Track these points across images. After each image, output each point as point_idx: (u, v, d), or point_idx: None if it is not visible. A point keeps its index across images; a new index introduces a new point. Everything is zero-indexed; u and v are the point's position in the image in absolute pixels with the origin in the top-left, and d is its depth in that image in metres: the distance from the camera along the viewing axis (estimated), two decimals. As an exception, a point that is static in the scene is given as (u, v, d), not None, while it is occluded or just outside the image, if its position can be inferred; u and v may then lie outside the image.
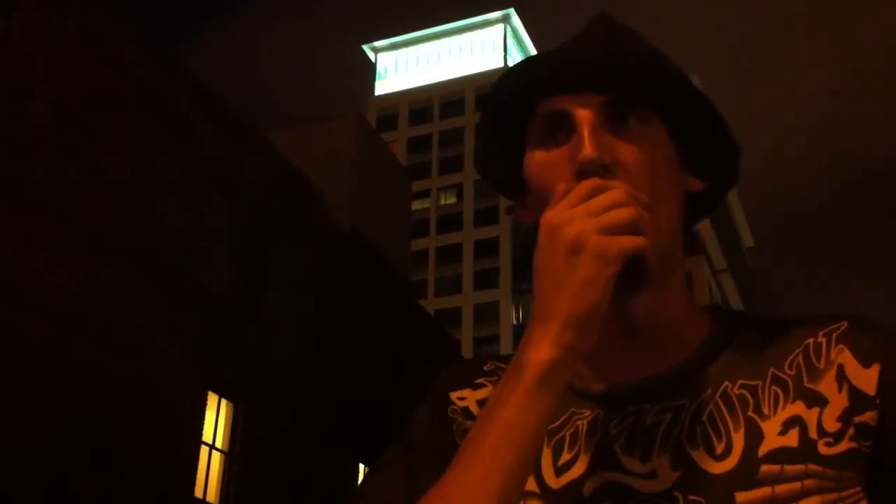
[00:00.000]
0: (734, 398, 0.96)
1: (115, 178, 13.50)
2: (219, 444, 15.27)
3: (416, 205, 61.18)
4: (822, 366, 0.96)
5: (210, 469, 15.01)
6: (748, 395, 0.96)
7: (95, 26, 13.80)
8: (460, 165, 75.37)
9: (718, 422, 0.95)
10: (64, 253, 12.43)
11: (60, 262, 12.34)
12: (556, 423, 1.00)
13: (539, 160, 0.99)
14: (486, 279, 70.42)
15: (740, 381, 0.97)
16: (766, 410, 0.95)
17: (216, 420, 15.29)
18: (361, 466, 19.21)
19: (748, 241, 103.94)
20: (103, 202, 13.22)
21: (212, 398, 15.18)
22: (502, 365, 1.08)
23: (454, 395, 1.09)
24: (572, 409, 1.01)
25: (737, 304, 71.36)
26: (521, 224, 0.95)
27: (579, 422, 1.00)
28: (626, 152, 0.95)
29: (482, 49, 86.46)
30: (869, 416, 0.92)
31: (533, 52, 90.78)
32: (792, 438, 0.92)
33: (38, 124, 12.50)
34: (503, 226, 71.07)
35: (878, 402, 0.92)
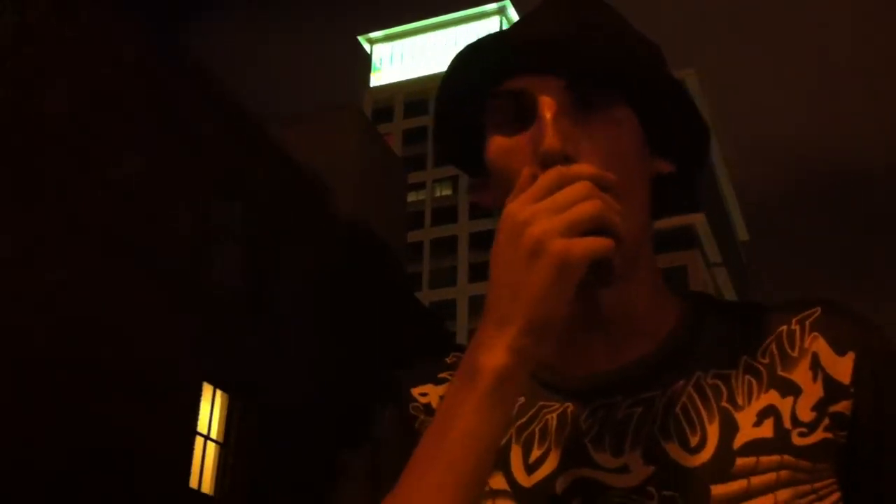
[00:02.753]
0: (707, 388, 0.94)
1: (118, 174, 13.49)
2: (214, 435, 15.28)
3: (412, 197, 61.15)
4: (795, 354, 0.94)
5: (205, 460, 15.02)
6: (721, 385, 0.94)
7: (101, 25, 13.79)
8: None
9: (692, 413, 0.93)
10: (66, 251, 12.42)
11: (63, 260, 12.33)
12: (525, 419, 0.98)
13: (501, 146, 0.94)
14: (481, 271, 70.41)
15: (713, 371, 0.95)
16: (740, 401, 0.93)
17: (211, 411, 15.30)
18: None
19: (743, 234, 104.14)
20: (107, 200, 13.20)
21: (207, 389, 15.19)
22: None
23: (416, 392, 1.06)
24: (541, 403, 0.98)
25: (731, 297, 71.43)
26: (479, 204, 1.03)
27: (548, 416, 0.97)
28: (591, 138, 0.91)
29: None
30: (843, 406, 0.91)
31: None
32: (767, 429, 0.91)
33: (45, 125, 12.50)
34: (498, 218, 70.96)
35: (852, 391, 0.91)
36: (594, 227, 0.81)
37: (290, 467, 16.56)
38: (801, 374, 0.93)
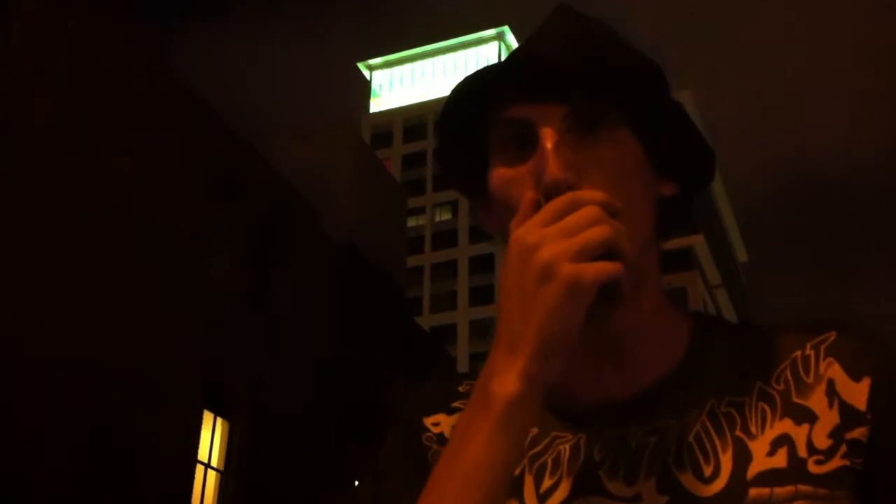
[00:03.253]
0: (721, 417, 0.93)
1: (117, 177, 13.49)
2: (214, 463, 15.21)
3: (412, 221, 61.21)
4: (810, 380, 0.93)
5: (206, 488, 14.94)
6: (735, 414, 0.93)
7: (97, 31, 13.82)
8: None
9: (706, 442, 0.92)
10: (61, 260, 12.40)
11: (56, 269, 12.31)
12: (538, 448, 0.97)
13: (503, 176, 0.95)
14: (481, 295, 70.41)
15: (727, 399, 0.94)
16: (753, 429, 0.92)
17: (212, 439, 15.24)
18: (358, 485, 19.15)
19: (742, 255, 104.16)
20: (103, 203, 13.19)
21: (207, 417, 15.13)
22: None
23: (428, 421, 1.04)
24: (554, 434, 0.97)
25: (732, 319, 71.22)
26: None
27: (561, 447, 0.97)
28: (593, 164, 0.91)
29: (476, 66, 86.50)
30: (860, 433, 0.90)
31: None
32: (780, 459, 0.90)
33: (39, 126, 12.46)
34: (498, 242, 71.01)
35: (868, 417, 0.90)
36: (603, 252, 0.82)
37: (290, 495, 16.47)
38: (816, 401, 0.92)
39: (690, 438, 0.93)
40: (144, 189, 14.14)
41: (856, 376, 0.92)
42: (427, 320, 63.60)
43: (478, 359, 65.51)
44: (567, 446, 0.97)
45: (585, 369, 0.96)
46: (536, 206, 0.86)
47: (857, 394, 0.91)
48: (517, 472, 0.95)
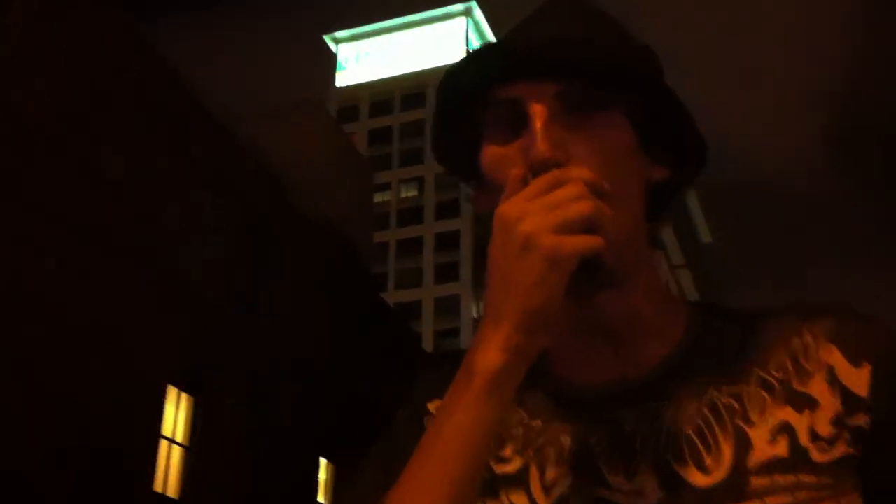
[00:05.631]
0: (721, 406, 0.93)
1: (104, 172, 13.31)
2: (178, 439, 15.11)
3: (377, 197, 61.01)
4: (810, 367, 0.93)
5: (170, 463, 14.84)
6: (734, 402, 0.93)
7: (83, 21, 13.61)
8: (421, 158, 75.26)
9: (706, 431, 0.92)
10: (43, 247, 12.22)
11: (35, 255, 12.13)
12: (542, 439, 0.98)
13: (494, 154, 0.95)
14: (446, 272, 70.43)
15: (725, 386, 0.94)
16: (753, 417, 0.91)
17: (176, 414, 15.13)
18: (322, 461, 19.12)
19: (706, 236, 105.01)
20: (87, 196, 13.01)
21: (171, 392, 15.01)
22: None
23: (431, 406, 1.06)
24: (555, 424, 0.98)
25: (694, 299, 71.92)
26: (481, 215, 1.07)
27: (563, 437, 0.97)
28: (583, 144, 0.91)
29: (444, 42, 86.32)
30: (862, 419, 0.90)
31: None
32: (781, 447, 0.89)
33: (29, 121, 12.35)
34: (464, 219, 71.07)
35: (870, 403, 0.90)
36: (585, 227, 0.82)
37: (254, 471, 16.42)
38: (817, 388, 0.91)
39: (689, 427, 0.92)
40: (130, 182, 13.94)
41: (856, 362, 0.91)
42: (392, 296, 63.51)
43: (443, 336, 65.63)
44: (568, 435, 0.97)
45: (582, 354, 0.97)
46: (523, 183, 0.87)
47: (858, 380, 0.91)
48: (522, 463, 0.97)
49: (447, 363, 1.06)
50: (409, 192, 76.21)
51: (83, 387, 12.75)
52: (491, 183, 0.95)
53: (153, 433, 14.43)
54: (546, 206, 0.82)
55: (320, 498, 19.01)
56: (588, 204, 0.83)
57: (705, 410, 0.93)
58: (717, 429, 0.92)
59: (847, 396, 0.90)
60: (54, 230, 12.68)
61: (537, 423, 0.99)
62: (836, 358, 0.92)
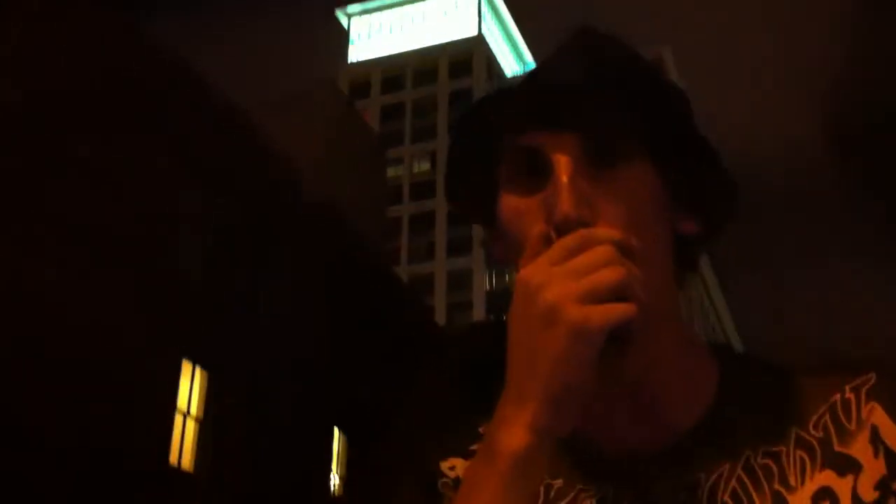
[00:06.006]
0: (758, 469, 0.87)
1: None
2: (193, 412, 15.40)
3: (390, 172, 61.13)
4: (853, 427, 0.87)
5: (185, 437, 15.14)
6: (772, 465, 0.87)
7: (83, 20, 13.73)
8: (433, 133, 75.15)
9: (743, 498, 0.86)
10: (36, 234, 12.45)
11: (32, 243, 12.37)
12: (560, 500, 0.92)
13: (513, 206, 0.89)
14: (459, 246, 70.53)
15: (762, 449, 0.88)
16: (792, 481, 0.86)
17: (190, 388, 15.41)
18: (336, 432, 19.40)
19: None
20: (73, 185, 13.22)
21: (186, 366, 15.29)
22: None
23: (444, 465, 0.99)
24: (579, 487, 0.92)
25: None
26: (496, 263, 0.97)
27: (585, 498, 0.91)
28: (610, 199, 0.84)
29: (457, 16, 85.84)
30: None
31: (508, 20, 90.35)
32: None
33: (5, 109, 12.42)
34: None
35: None
36: (614, 295, 0.76)
37: (268, 443, 16.68)
38: (860, 450, 0.86)
39: (726, 495, 0.87)
40: (111, 168, 14.12)
41: None
42: (405, 271, 63.73)
43: (455, 309, 65.81)
44: (593, 501, 0.91)
45: (609, 420, 0.91)
46: (547, 242, 0.81)
47: None
48: None
49: (458, 421, 1.03)
50: (422, 167, 76.20)
51: (100, 364, 13.01)
52: (510, 236, 0.89)
53: (169, 407, 14.72)
54: (572, 273, 0.76)
55: (334, 468, 19.30)
56: (618, 270, 0.76)
57: (741, 473, 0.88)
58: (753, 493, 0.86)
59: (891, 458, 0.85)
60: (54, 229, 12.88)
61: (558, 482, 0.93)
62: (880, 417, 0.87)
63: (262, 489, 16.06)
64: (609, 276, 0.76)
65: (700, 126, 0.92)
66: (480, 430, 0.98)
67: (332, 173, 21.71)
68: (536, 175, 0.87)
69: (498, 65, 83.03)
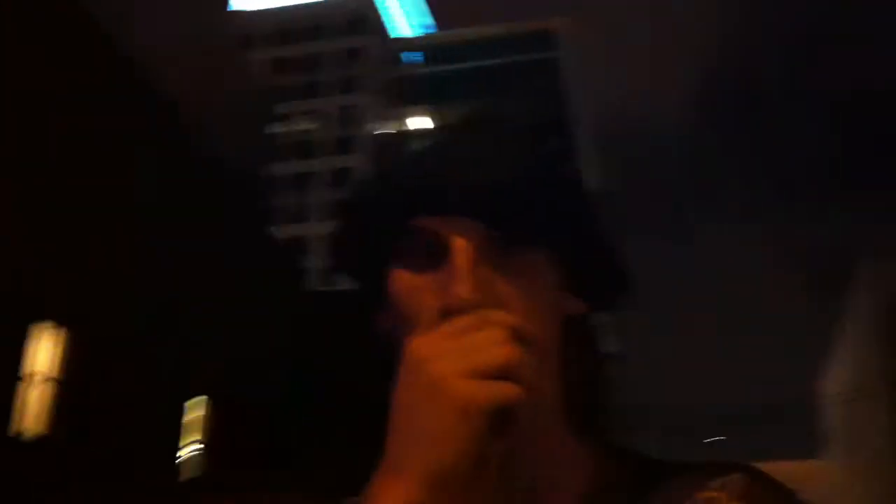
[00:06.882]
0: None
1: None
2: (44, 372, 14.50)
3: (273, 129, 59.75)
4: None
5: (30, 398, 14.25)
6: None
7: None
8: (321, 91, 73.99)
9: None
10: None
11: None
12: None
13: (405, 282, 0.88)
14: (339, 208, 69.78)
15: None
16: None
17: (43, 346, 14.50)
18: (201, 397, 18.77)
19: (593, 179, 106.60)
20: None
21: (45, 324, 14.37)
22: None
23: None
24: None
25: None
26: (380, 333, 0.93)
27: None
28: (508, 285, 0.85)
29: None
30: None
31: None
32: None
33: None
34: (360, 156, 70.39)
35: None
36: (502, 375, 0.74)
37: (120, 404, 15.96)
38: None
39: None
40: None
41: None
42: (282, 231, 62.62)
43: (329, 273, 65.00)
44: None
45: (478, 500, 0.84)
46: (441, 318, 0.80)
47: None
48: None
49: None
50: (307, 126, 74.97)
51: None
52: (399, 310, 0.89)
53: (14, 367, 13.80)
54: (463, 349, 0.75)
55: (197, 435, 18.72)
56: (509, 350, 0.75)
57: None
58: None
59: None
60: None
61: None
62: None
63: (119, 453, 15.31)
64: (499, 355, 0.75)
65: (596, 206, 0.92)
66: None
67: (212, 125, 20.83)
68: (433, 255, 0.87)
69: (393, 24, 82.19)
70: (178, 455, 17.96)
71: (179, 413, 18.14)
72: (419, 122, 72.20)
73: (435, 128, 0.94)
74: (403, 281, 0.89)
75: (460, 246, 0.85)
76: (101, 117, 15.92)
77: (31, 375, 14.18)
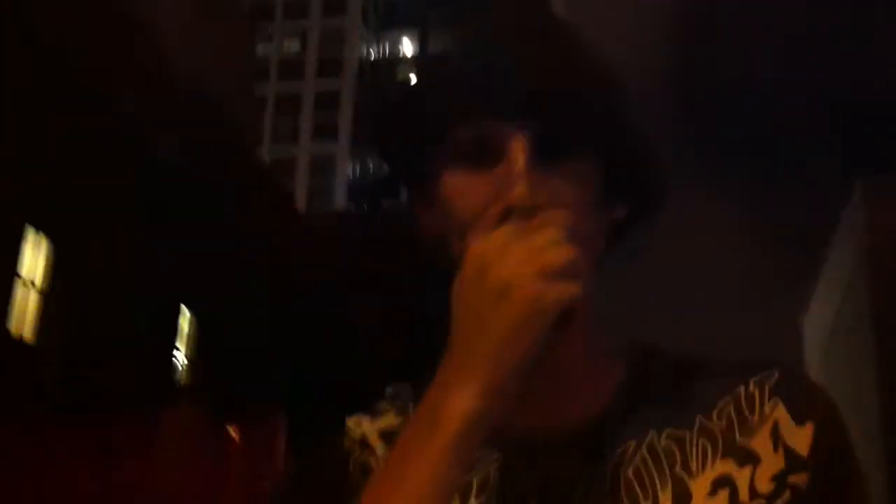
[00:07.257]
0: (660, 451, 0.91)
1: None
2: (37, 283, 14.98)
3: (258, 50, 59.35)
4: (755, 420, 0.92)
5: (27, 307, 14.75)
6: (675, 449, 0.91)
7: None
8: (306, 11, 73.11)
9: (645, 477, 0.90)
10: None
11: None
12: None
13: (459, 184, 0.90)
14: (324, 131, 69.65)
15: (666, 431, 0.92)
16: (693, 467, 0.90)
17: (34, 257, 14.95)
18: (184, 309, 19.22)
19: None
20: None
21: (31, 233, 14.79)
22: (408, 395, 0.99)
23: (350, 421, 1.00)
24: (482, 452, 0.90)
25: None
26: (424, 237, 0.95)
27: (489, 467, 0.93)
28: (558, 190, 0.87)
29: None
30: (801, 478, 0.89)
31: None
32: (722, 500, 0.88)
33: None
34: (346, 80, 69.97)
35: (810, 464, 0.90)
36: (564, 274, 0.78)
37: (114, 319, 16.45)
38: (760, 443, 0.91)
39: (629, 472, 0.90)
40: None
41: (800, 420, 0.91)
42: (268, 152, 62.64)
43: (316, 194, 65.33)
44: (495, 467, 0.93)
45: (527, 397, 0.89)
46: (501, 220, 0.83)
47: (801, 438, 0.90)
48: None
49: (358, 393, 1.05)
50: (292, 46, 74.21)
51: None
52: (452, 212, 0.90)
53: (9, 274, 14.27)
54: (528, 249, 0.78)
55: (180, 347, 19.22)
56: (570, 250, 0.78)
57: (644, 452, 0.91)
58: (655, 474, 0.90)
59: (790, 454, 0.90)
60: None
61: None
62: (781, 413, 0.92)
63: (106, 365, 15.87)
64: (563, 254, 0.78)
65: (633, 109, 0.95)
66: (387, 391, 1.00)
67: (196, 45, 20.94)
68: (486, 155, 0.88)
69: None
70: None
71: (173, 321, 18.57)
72: (406, 45, 71.68)
73: (472, 33, 0.95)
74: (455, 182, 0.90)
75: (517, 146, 0.86)
76: (82, 43, 16.09)
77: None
